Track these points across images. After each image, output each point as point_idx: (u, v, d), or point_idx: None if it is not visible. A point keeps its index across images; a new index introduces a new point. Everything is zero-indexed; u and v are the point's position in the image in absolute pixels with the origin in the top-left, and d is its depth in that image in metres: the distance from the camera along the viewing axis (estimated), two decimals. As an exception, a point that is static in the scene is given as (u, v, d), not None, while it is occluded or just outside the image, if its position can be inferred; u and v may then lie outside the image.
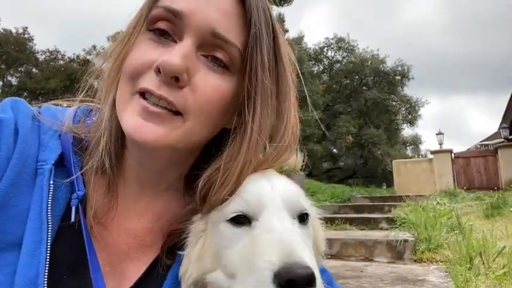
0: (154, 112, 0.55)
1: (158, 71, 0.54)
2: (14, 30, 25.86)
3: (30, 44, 26.80)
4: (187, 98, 0.55)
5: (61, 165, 0.59)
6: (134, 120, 0.55)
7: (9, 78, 26.95)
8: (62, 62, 26.99)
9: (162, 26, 0.57)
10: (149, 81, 0.55)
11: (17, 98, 0.63)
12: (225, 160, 0.57)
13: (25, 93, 25.83)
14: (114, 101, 0.60)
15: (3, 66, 25.74)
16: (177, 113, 0.56)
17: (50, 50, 27.24)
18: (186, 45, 0.55)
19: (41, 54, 27.25)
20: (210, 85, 0.56)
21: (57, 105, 0.69)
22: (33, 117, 0.61)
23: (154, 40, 0.57)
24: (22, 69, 26.82)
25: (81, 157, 0.62)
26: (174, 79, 0.54)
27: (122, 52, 0.58)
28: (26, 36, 26.49)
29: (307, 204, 0.60)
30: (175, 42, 0.57)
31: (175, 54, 0.54)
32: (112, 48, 0.62)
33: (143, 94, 0.56)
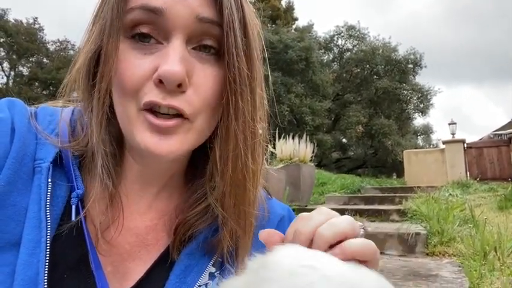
0: (167, 127, 0.53)
1: (159, 82, 0.51)
2: (24, 21, 26.07)
3: (41, 34, 26.98)
4: (192, 99, 0.53)
5: (59, 163, 0.57)
6: (148, 139, 0.53)
7: (21, 68, 27.22)
8: (72, 52, 27.12)
9: (144, 30, 0.52)
10: (152, 94, 0.52)
11: (13, 98, 0.61)
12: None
13: (36, 83, 26.14)
14: (100, 114, 0.56)
15: (14, 57, 25.98)
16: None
17: (60, 40, 27.46)
18: (177, 46, 0.52)
19: (52, 45, 27.45)
20: (209, 78, 0.54)
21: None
22: (30, 117, 0.59)
23: (138, 48, 0.53)
24: (33, 59, 27.03)
25: (79, 157, 0.59)
26: (177, 85, 0.51)
27: (105, 70, 0.53)
28: (36, 26, 26.68)
29: None
30: (160, 43, 0.53)
31: (173, 61, 0.50)
32: (80, 64, 0.59)
33: (149, 107, 0.53)
